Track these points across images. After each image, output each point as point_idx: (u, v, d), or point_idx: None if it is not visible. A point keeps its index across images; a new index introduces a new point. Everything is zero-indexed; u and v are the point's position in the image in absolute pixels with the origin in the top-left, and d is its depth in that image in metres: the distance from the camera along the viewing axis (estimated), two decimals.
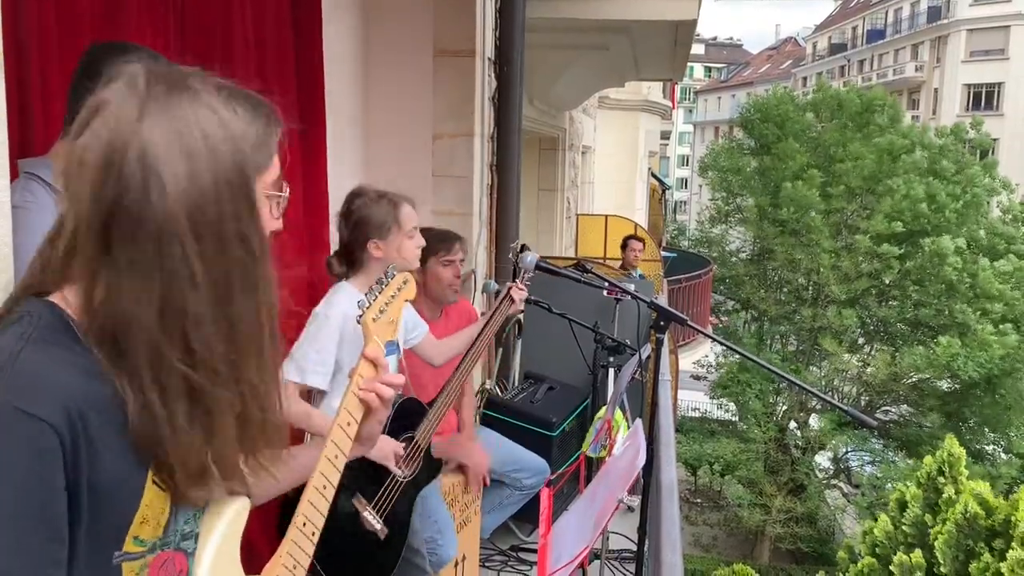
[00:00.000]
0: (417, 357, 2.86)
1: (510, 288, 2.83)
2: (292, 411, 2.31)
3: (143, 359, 0.90)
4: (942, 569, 7.70)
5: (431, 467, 2.56)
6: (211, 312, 0.92)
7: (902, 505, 8.99)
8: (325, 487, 1.16)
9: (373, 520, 2.29)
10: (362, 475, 2.32)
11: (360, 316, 1.31)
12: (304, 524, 1.13)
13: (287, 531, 1.12)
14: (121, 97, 0.90)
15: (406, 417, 2.48)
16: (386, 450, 2.32)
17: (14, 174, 1.64)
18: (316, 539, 1.15)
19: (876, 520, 9.43)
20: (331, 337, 2.39)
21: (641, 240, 8.33)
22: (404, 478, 2.41)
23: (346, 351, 2.40)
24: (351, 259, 2.52)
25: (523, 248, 3.00)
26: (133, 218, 0.87)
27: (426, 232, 2.73)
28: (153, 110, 0.89)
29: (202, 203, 0.90)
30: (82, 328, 0.91)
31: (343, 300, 2.44)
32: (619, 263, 8.11)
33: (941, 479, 8.61)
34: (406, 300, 1.42)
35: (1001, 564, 7.10)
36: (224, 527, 1.05)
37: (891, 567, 8.21)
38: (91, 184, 0.88)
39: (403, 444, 2.40)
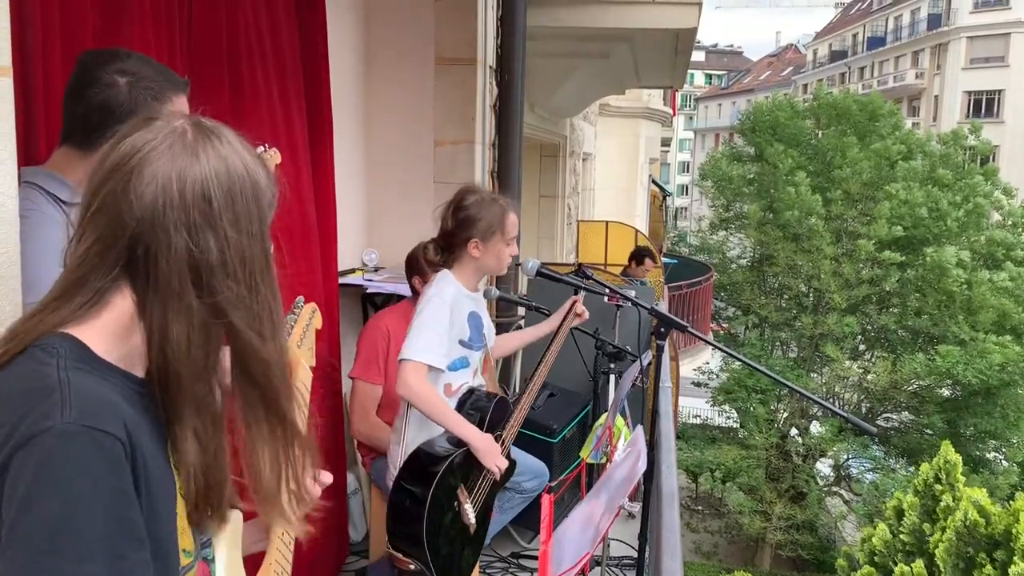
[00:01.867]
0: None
1: (575, 302, 2.88)
2: (420, 391, 2.39)
3: (176, 382, 0.96)
4: None
5: (510, 465, 2.65)
6: (263, 343, 0.99)
7: (899, 513, 8.93)
8: None
9: (470, 512, 2.40)
10: (460, 469, 2.43)
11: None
12: (283, 535, 1.25)
13: (270, 540, 1.23)
14: (169, 138, 0.95)
15: (498, 415, 2.58)
16: (493, 450, 2.46)
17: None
18: (292, 547, 1.27)
19: (875, 527, 9.38)
20: (446, 319, 2.47)
21: (654, 259, 8.30)
22: (494, 475, 2.51)
23: (450, 334, 2.50)
24: (449, 250, 2.58)
25: (581, 267, 3.05)
26: (220, 250, 0.94)
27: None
28: (204, 149, 0.96)
29: (255, 233, 0.98)
30: (110, 356, 0.94)
31: (449, 286, 2.52)
32: (623, 271, 8.10)
33: (938, 486, 8.55)
34: (316, 330, 1.55)
35: None
36: (230, 534, 1.11)
37: None
38: (173, 222, 0.93)
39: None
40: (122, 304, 0.95)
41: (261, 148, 1.87)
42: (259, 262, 0.99)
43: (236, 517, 1.12)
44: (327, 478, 1.28)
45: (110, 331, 0.95)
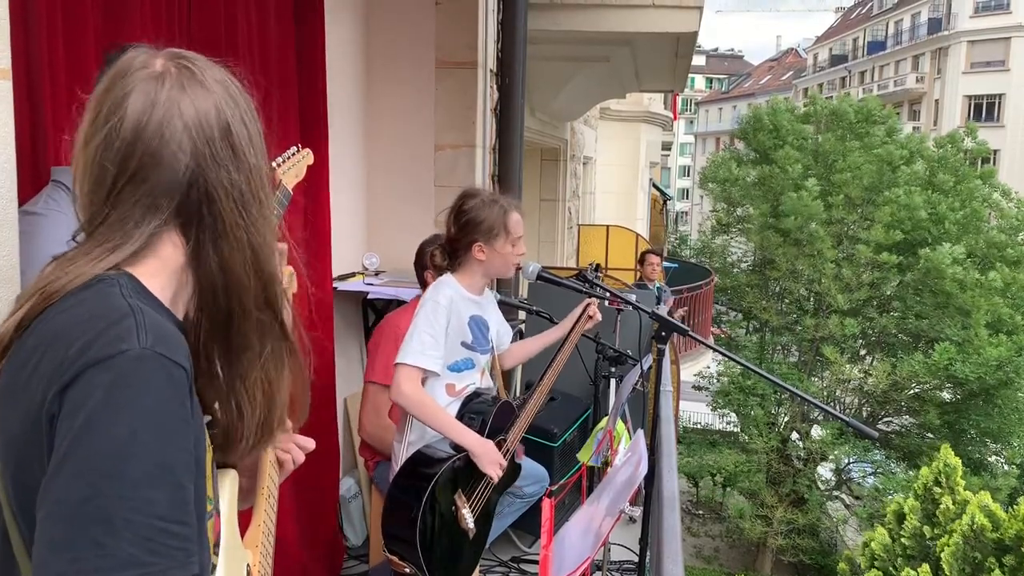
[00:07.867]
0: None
1: (588, 305, 2.85)
2: (413, 396, 2.37)
3: (240, 314, 0.98)
4: None
5: (513, 470, 2.63)
6: (275, 260, 1.02)
7: (900, 517, 8.87)
8: (272, 474, 1.31)
9: (468, 518, 2.38)
10: (460, 474, 2.41)
11: None
12: (268, 496, 1.28)
13: (257, 502, 1.27)
14: (170, 81, 0.95)
15: (502, 420, 2.56)
16: (493, 456, 2.43)
17: (30, 183, 1.66)
18: (276, 507, 1.30)
19: (875, 532, 9.32)
20: (442, 323, 2.44)
21: (658, 254, 8.33)
22: (495, 480, 2.49)
23: (449, 338, 2.47)
24: (454, 255, 2.58)
25: (597, 267, 3.02)
26: (228, 181, 0.96)
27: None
28: (201, 79, 0.97)
29: (261, 148, 1.01)
30: (162, 297, 0.95)
31: (447, 290, 2.50)
32: (637, 279, 8.14)
33: (938, 489, 8.51)
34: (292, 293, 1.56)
35: None
36: (230, 493, 1.13)
37: None
38: (214, 157, 0.95)
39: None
40: (172, 253, 0.96)
41: (294, 148, 1.86)
42: (267, 179, 1.02)
43: (234, 477, 1.14)
44: (309, 444, 1.33)
45: (160, 276, 0.96)
